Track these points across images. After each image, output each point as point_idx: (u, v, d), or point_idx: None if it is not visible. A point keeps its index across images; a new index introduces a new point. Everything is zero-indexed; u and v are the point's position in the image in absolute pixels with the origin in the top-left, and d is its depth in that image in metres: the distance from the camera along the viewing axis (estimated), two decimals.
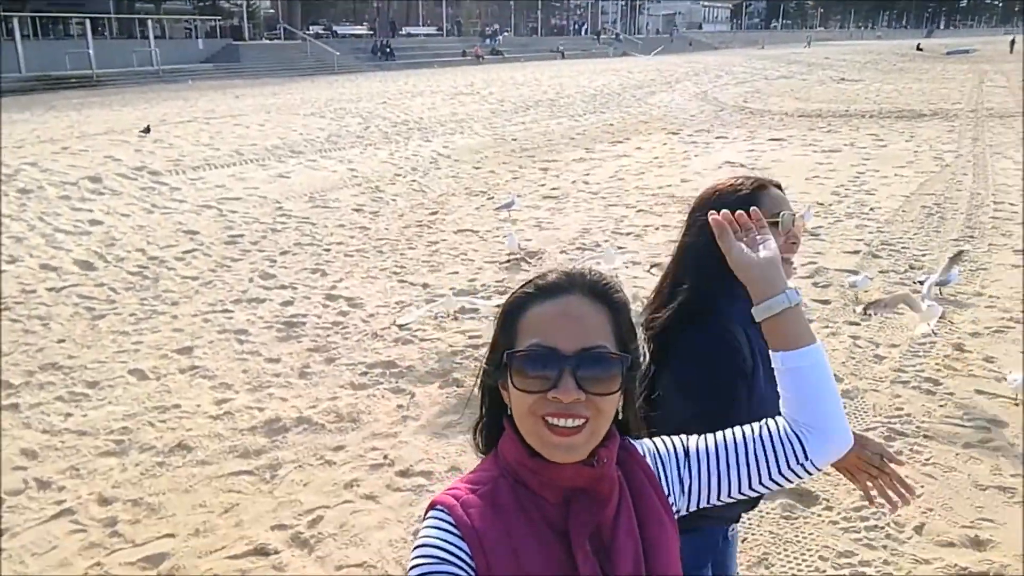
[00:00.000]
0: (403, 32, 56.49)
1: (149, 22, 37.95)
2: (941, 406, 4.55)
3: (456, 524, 0.98)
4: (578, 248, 7.81)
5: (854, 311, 5.99)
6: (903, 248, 7.71)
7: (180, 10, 47.79)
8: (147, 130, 13.46)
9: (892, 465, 1.69)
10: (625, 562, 1.00)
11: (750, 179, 1.83)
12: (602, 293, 1.04)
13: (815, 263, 7.27)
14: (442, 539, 0.97)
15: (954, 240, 7.95)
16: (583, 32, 69.76)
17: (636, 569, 1.01)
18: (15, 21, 30.37)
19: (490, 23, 64.50)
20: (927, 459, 4.01)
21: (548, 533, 0.99)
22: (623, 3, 76.57)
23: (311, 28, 50.78)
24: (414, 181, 11.18)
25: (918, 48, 55.74)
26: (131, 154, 11.56)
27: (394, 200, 10.03)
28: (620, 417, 1.10)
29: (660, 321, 1.72)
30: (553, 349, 0.97)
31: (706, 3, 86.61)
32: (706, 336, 1.65)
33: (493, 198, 10.12)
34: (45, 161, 10.67)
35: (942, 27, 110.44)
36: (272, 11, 55.11)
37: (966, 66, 37.69)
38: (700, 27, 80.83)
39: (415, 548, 0.98)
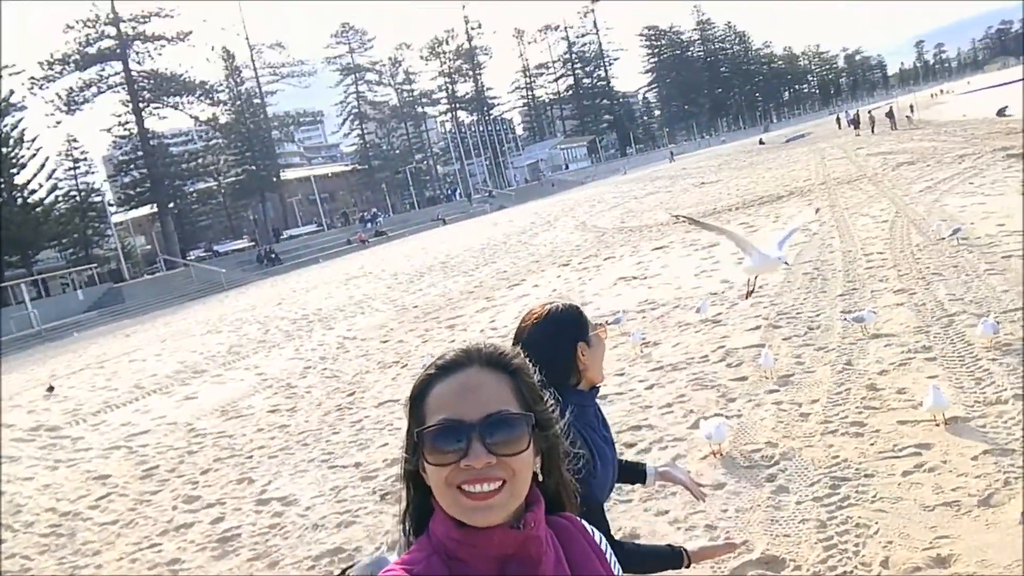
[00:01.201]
0: (284, 236, 57.57)
1: (23, 286, 37.27)
2: (872, 444, 4.71)
3: None
4: None
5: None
6: (798, 314, 8.12)
7: (52, 268, 47.34)
8: (51, 389, 13.01)
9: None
10: None
11: (555, 303, 2.00)
12: (499, 362, 1.08)
13: (723, 346, 7.55)
14: None
15: (840, 296, 8.46)
16: (457, 196, 72.93)
17: None
18: None
19: (367, 209, 66.65)
20: (874, 496, 4.10)
21: None
22: (487, 163, 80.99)
23: (191, 253, 51.19)
24: (325, 369, 11.10)
25: (760, 142, 60.92)
26: (24, 416, 11.07)
27: (308, 392, 9.90)
28: (550, 491, 1.12)
29: None
30: (459, 420, 1.00)
31: (563, 146, 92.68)
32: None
33: (407, 365, 10.14)
34: None
35: (775, 121, 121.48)
36: (149, 247, 55.43)
37: (805, 148, 41.35)
38: (567, 167, 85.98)
39: None
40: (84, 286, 41.93)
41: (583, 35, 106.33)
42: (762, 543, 3.90)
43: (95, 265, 46.80)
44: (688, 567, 2.05)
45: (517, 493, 1.02)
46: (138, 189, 53.57)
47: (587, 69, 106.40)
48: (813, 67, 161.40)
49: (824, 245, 11.64)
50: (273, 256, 44.83)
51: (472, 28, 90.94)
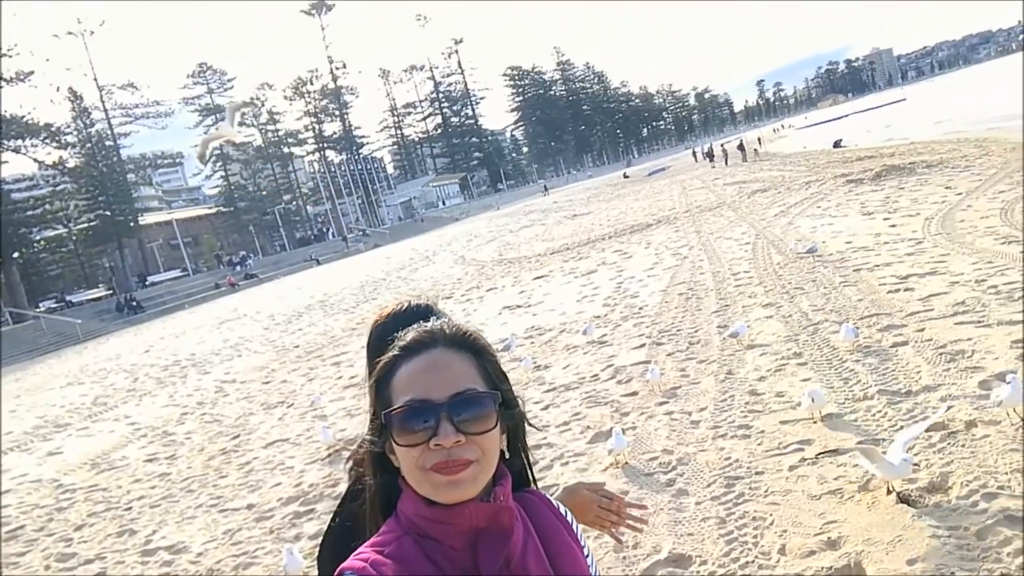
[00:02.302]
0: (147, 283, 54.59)
1: None
2: (759, 444, 5.01)
3: None
4: None
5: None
6: (678, 331, 8.52)
7: None
8: None
9: (616, 499, 1.71)
10: None
11: (409, 301, 1.89)
12: (463, 342, 1.09)
13: (612, 365, 7.81)
14: None
15: (715, 312, 8.95)
16: (330, 236, 71.67)
17: None
18: None
19: (235, 252, 64.28)
20: (766, 490, 4.36)
21: None
22: (359, 201, 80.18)
23: (41, 305, 47.56)
24: (204, 414, 10.60)
25: (625, 176, 63.61)
26: None
27: (188, 439, 9.41)
28: (515, 467, 1.14)
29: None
30: (426, 400, 1.00)
31: (435, 183, 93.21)
32: None
33: (293, 404, 9.85)
34: None
35: (636, 155, 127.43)
36: None
37: (667, 180, 43.51)
38: (444, 203, 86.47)
39: None
40: None
41: (449, 75, 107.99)
42: (668, 543, 4.06)
43: None
44: None
45: (486, 469, 1.03)
46: None
47: (455, 108, 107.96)
48: (668, 105, 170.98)
49: (695, 268, 12.27)
50: (135, 304, 42.36)
51: (337, 68, 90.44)
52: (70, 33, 60.81)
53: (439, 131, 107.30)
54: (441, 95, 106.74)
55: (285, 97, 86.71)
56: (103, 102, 63.28)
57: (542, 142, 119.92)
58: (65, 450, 10.20)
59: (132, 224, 59.75)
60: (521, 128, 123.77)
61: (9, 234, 49.76)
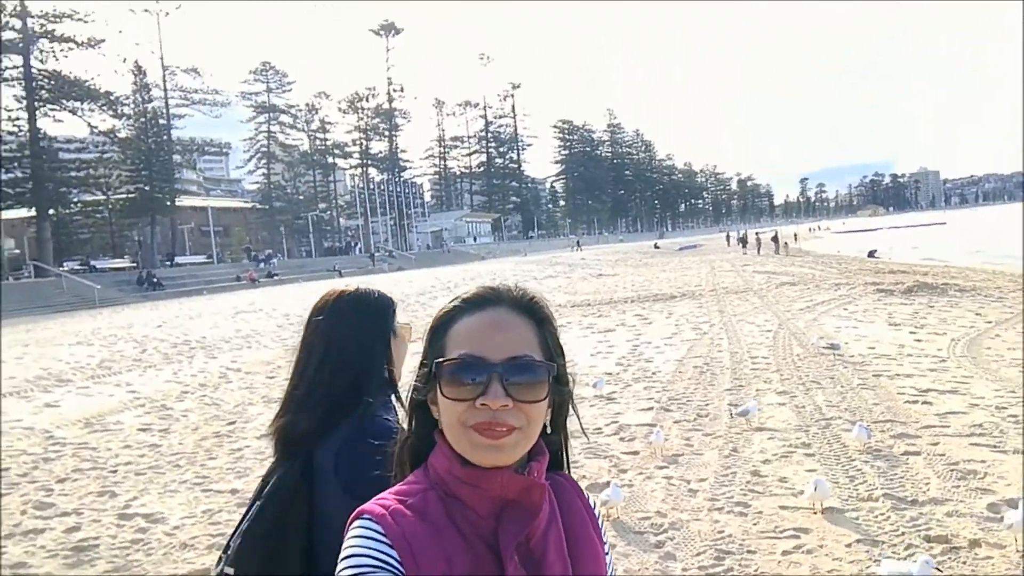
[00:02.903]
0: (168, 263, 55.15)
1: None
2: (755, 524, 4.92)
3: (385, 532, 0.95)
4: None
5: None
6: (688, 401, 8.45)
7: None
8: None
9: None
10: None
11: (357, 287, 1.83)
12: (528, 307, 1.06)
13: (617, 422, 7.75)
14: (371, 548, 0.94)
15: (728, 390, 8.87)
16: (357, 251, 72.18)
17: None
18: None
19: (261, 249, 64.89)
20: (755, 570, 4.28)
21: (479, 545, 0.97)
22: (391, 223, 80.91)
23: (66, 264, 48.09)
24: (204, 396, 10.60)
25: (656, 246, 63.83)
26: None
27: (185, 416, 9.40)
28: (553, 447, 1.10)
29: (305, 427, 1.63)
30: (481, 358, 0.98)
31: (468, 219, 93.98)
32: (373, 428, 1.54)
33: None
34: None
35: (670, 228, 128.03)
36: (18, 251, 51.72)
37: (697, 258, 43.60)
38: (475, 239, 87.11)
39: (342, 560, 0.94)
40: None
41: (501, 116, 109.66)
42: None
43: None
44: None
45: (528, 439, 1.00)
46: (18, 189, 50.24)
47: (500, 149, 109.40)
48: (709, 185, 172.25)
49: (713, 344, 12.21)
50: (155, 280, 42.73)
51: (394, 90, 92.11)
52: (146, 10, 62.51)
53: (481, 169, 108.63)
54: (490, 134, 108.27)
55: (339, 109, 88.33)
56: (164, 81, 64.69)
57: (580, 198, 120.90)
58: (62, 405, 10.22)
59: (168, 203, 60.52)
60: (562, 181, 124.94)
61: (49, 191, 50.63)
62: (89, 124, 54.38)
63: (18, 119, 50.12)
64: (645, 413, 8.04)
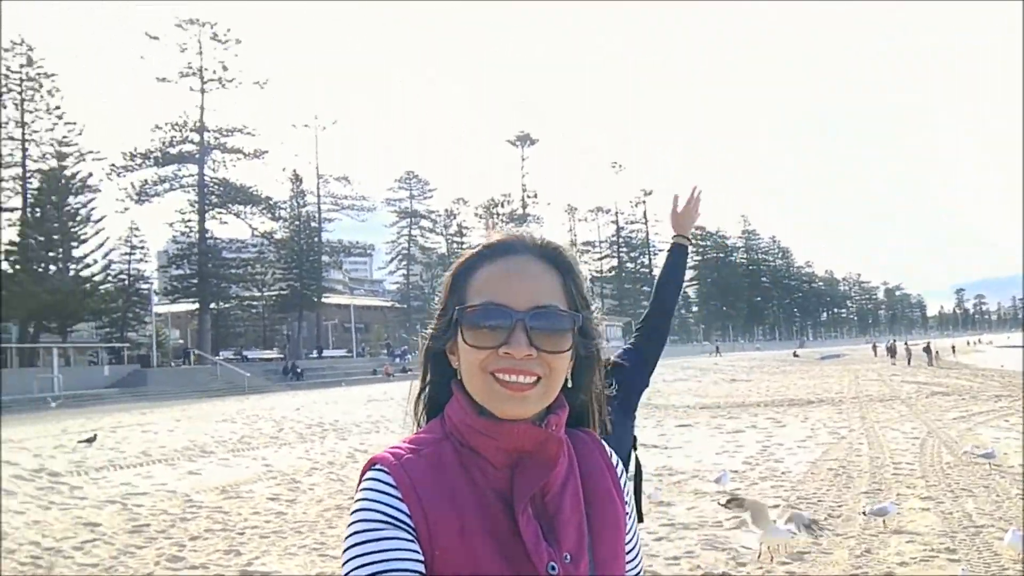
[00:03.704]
0: (313, 355, 58.17)
1: (54, 350, 38.02)
2: None
3: (396, 485, 0.92)
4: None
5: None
6: (819, 501, 7.94)
7: (86, 342, 48.26)
8: (91, 440, 13.00)
9: None
10: (568, 536, 0.97)
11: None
12: (552, 256, 1.03)
13: (740, 517, 7.35)
14: (382, 501, 0.91)
15: (864, 492, 8.26)
16: None
17: (579, 545, 0.98)
18: None
19: (398, 345, 67.28)
20: None
21: (492, 497, 0.95)
22: None
23: (221, 354, 51.71)
24: (331, 473, 10.96)
25: (795, 355, 61.11)
26: (29, 459, 11.02)
27: (312, 489, 9.75)
28: (576, 401, 1.07)
29: None
30: (505, 306, 0.96)
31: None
32: None
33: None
34: None
35: (811, 338, 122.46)
36: (181, 341, 56.23)
37: (840, 366, 41.33)
38: (607, 342, 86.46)
39: (354, 511, 0.93)
40: (111, 363, 42.49)
41: (632, 222, 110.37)
42: None
43: (127, 345, 47.65)
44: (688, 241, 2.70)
45: (550, 391, 0.98)
46: (185, 283, 55.22)
47: (632, 255, 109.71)
48: (853, 294, 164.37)
49: (852, 449, 11.47)
50: (299, 371, 45.08)
51: (528, 196, 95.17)
52: (306, 125, 68.54)
53: (612, 273, 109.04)
54: (621, 239, 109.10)
55: (475, 214, 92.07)
56: (318, 188, 69.96)
57: (714, 304, 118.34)
58: (203, 473, 10.85)
59: (315, 300, 64.35)
60: (695, 286, 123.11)
61: (212, 286, 55.22)
62: (250, 226, 59.45)
63: (190, 221, 55.55)
64: (771, 511, 7.60)
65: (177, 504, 8.84)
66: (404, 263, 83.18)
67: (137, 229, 57.08)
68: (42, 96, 48.18)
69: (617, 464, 1.12)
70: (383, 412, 18.76)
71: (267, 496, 9.28)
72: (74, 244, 47.22)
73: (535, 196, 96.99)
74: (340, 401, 22.26)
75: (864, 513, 6.96)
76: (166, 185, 56.05)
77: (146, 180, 55.30)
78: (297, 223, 65.72)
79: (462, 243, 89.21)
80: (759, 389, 26.02)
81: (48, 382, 33.76)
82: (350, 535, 0.90)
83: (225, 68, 55.43)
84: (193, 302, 55.23)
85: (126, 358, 45.12)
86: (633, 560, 1.11)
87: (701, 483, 9.30)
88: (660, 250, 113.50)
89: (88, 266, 48.04)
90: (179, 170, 56.23)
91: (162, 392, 34.02)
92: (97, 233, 48.58)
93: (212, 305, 56.55)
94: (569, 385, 1.02)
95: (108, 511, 8.37)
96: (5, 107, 47.06)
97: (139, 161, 55.09)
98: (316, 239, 67.56)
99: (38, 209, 46.41)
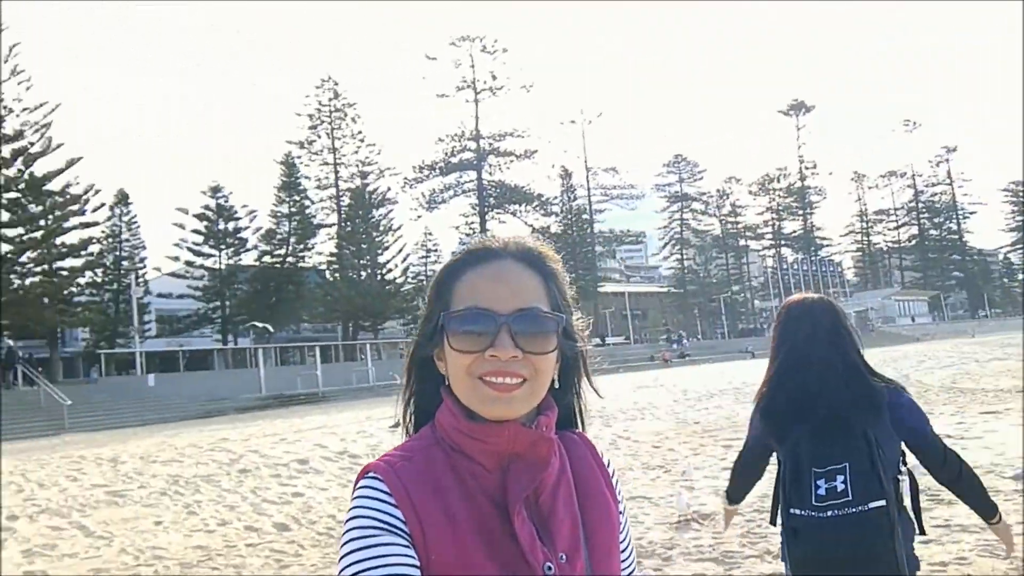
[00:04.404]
0: (600, 343, 60.03)
1: (367, 346, 43.34)
2: None
3: (390, 491, 0.95)
4: (755, 510, 7.41)
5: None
6: None
7: (394, 337, 54.30)
8: (396, 426, 14.89)
9: None
10: (562, 536, 0.99)
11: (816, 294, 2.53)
12: (534, 259, 1.06)
13: None
14: (377, 508, 0.95)
15: None
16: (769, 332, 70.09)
17: (574, 545, 1.00)
18: (259, 353, 35.76)
19: (676, 330, 66.82)
20: None
21: (485, 500, 0.97)
22: None
23: None
24: None
25: None
26: (337, 442, 12.74)
27: None
28: (564, 402, 1.10)
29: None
30: (488, 310, 0.98)
31: (899, 297, 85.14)
32: None
33: (670, 471, 9.95)
34: (265, 449, 12.04)
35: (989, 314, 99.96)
36: None
37: None
38: (912, 320, 78.85)
39: (349, 519, 0.96)
40: None
41: (933, 184, 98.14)
42: None
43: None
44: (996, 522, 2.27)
45: (537, 392, 1.00)
46: None
47: (935, 220, 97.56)
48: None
49: None
50: None
51: (806, 168, 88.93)
52: (572, 121, 70.62)
53: (913, 243, 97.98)
54: (921, 205, 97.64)
55: (749, 192, 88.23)
56: (587, 181, 71.77)
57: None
58: None
59: (592, 290, 66.13)
60: (1019, 251, 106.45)
61: None
62: (526, 223, 62.73)
63: (472, 223, 60.06)
64: None
65: None
66: (677, 248, 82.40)
67: (430, 234, 63.50)
68: (347, 124, 55.01)
69: (609, 464, 1.16)
70: (650, 398, 18.84)
71: None
72: (379, 252, 53.41)
73: (814, 166, 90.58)
74: (609, 388, 22.74)
75: None
76: (450, 192, 61.28)
77: (433, 189, 60.91)
78: (569, 217, 67.98)
79: (736, 223, 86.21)
80: None
81: (364, 374, 38.57)
82: (346, 542, 0.93)
83: (494, 77, 59.17)
84: None
85: None
86: (627, 559, 1.13)
87: (996, 479, 8.16)
88: (972, 213, 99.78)
89: (390, 271, 54.03)
90: (460, 177, 61.12)
91: None
92: (396, 240, 54.56)
93: None
94: (556, 386, 1.05)
95: None
96: (319, 137, 54.38)
97: (427, 172, 60.81)
98: (588, 230, 69.35)
99: (349, 223, 53.01)
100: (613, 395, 20.14)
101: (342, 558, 0.92)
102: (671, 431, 13.74)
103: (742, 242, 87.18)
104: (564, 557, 0.98)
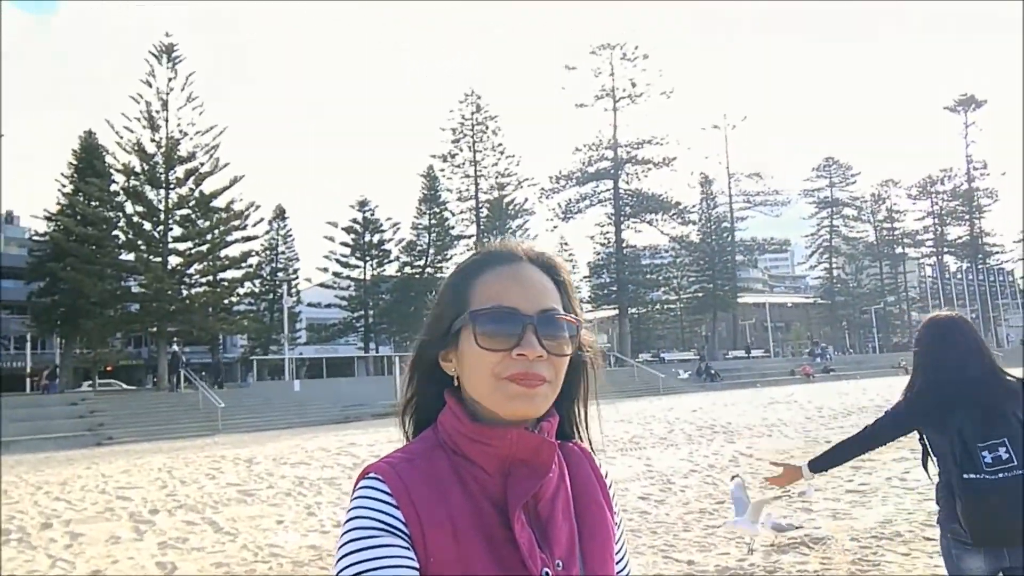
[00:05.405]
0: (733, 355, 58.09)
1: None
2: None
3: (391, 492, 0.96)
4: (873, 536, 6.99)
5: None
6: None
7: None
8: None
9: None
10: (560, 542, 1.00)
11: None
12: (549, 267, 1.08)
13: None
14: (377, 508, 0.95)
15: None
16: None
17: (570, 551, 1.01)
18: (397, 360, 37.01)
19: (819, 342, 63.47)
20: None
21: (485, 504, 0.98)
22: (973, 316, 71.09)
23: (641, 356, 54.47)
24: (708, 476, 10.97)
25: None
26: None
27: (683, 491, 9.90)
28: (563, 411, 1.09)
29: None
30: (516, 310, 0.99)
31: None
32: None
33: (790, 494, 9.53)
34: None
35: None
36: (609, 344, 60.52)
37: None
38: None
39: (348, 519, 0.96)
40: None
41: None
42: None
43: None
44: None
45: (553, 394, 1.01)
46: (605, 291, 59.48)
47: None
48: None
49: None
50: (712, 372, 45.37)
51: (975, 168, 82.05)
52: (715, 126, 68.55)
53: None
54: None
55: (908, 196, 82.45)
56: (729, 188, 69.41)
57: None
58: None
59: (730, 300, 64.06)
60: None
61: (630, 292, 58.55)
62: (663, 232, 61.60)
63: (608, 232, 59.69)
64: None
65: None
66: (826, 256, 78.14)
67: (566, 244, 63.63)
68: (488, 136, 56.25)
69: (606, 475, 1.17)
70: (781, 415, 18.04)
71: (638, 495, 9.67)
72: None
73: (984, 167, 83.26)
74: (739, 403, 21.95)
75: None
76: (586, 202, 61.05)
77: (570, 199, 60.94)
78: (709, 225, 66.17)
79: (892, 229, 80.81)
80: None
81: None
82: (345, 543, 0.94)
83: (634, 84, 58.51)
84: (613, 308, 59.15)
85: None
86: (622, 569, 1.16)
87: None
88: None
89: None
90: (597, 186, 60.79)
91: None
92: None
93: (631, 310, 59.87)
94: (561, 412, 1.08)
95: None
96: (461, 150, 55.99)
97: (563, 183, 60.94)
98: (728, 238, 67.20)
99: (487, 234, 54.11)
100: (741, 411, 19.46)
101: (340, 558, 0.93)
102: (798, 449, 13.12)
103: (898, 250, 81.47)
104: (561, 564, 1.00)
